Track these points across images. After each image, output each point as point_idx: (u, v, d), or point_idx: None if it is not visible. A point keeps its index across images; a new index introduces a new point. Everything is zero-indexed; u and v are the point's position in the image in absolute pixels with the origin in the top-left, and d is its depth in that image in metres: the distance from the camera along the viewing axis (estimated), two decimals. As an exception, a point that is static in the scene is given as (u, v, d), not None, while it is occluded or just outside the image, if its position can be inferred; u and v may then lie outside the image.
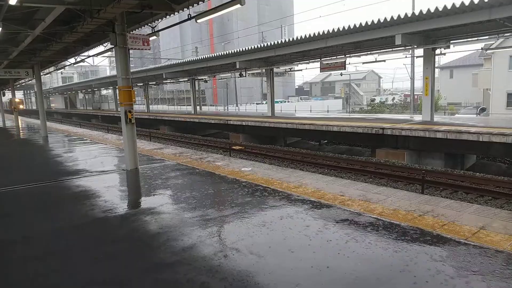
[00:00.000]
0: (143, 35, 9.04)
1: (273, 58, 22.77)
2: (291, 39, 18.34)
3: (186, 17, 8.52)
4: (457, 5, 12.14)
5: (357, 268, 3.57)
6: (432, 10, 12.75)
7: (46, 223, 5.32)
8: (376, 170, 12.36)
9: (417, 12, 13.19)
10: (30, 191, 7.29)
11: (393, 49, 17.25)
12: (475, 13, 12.40)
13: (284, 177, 7.40)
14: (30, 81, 28.44)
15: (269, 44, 19.76)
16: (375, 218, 4.86)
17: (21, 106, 30.48)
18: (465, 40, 15.43)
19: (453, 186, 10.16)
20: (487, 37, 15.20)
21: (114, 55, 8.98)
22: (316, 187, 6.52)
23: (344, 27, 15.19)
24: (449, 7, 12.31)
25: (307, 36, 17.08)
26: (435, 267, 3.50)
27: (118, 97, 9.49)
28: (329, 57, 19.87)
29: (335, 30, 15.59)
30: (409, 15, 13.37)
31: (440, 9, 12.53)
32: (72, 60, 17.75)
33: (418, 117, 18.84)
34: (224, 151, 17.52)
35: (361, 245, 4.05)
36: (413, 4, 25.19)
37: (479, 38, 14.98)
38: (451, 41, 15.79)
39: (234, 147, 17.57)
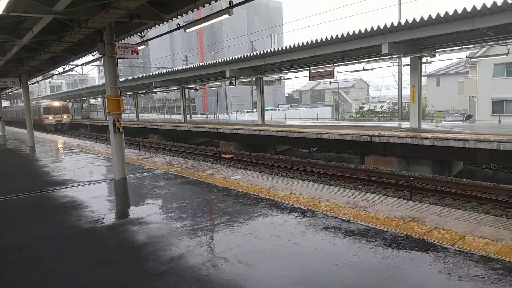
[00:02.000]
0: (132, 44, 9.04)
1: (262, 67, 22.94)
2: (280, 48, 18.52)
3: (176, 27, 8.57)
4: (442, 15, 12.43)
5: (345, 275, 3.58)
6: (417, 20, 13.03)
7: (31, 235, 5.22)
8: (365, 177, 12.46)
9: (403, 22, 13.46)
10: (16, 201, 7.16)
11: (381, 57, 17.52)
12: (459, 22, 12.71)
13: (273, 185, 7.41)
14: (18, 91, 28.05)
15: (258, 53, 19.92)
16: (364, 225, 4.89)
17: None
18: (450, 48, 15.77)
19: (441, 192, 10.28)
20: (471, 46, 15.55)
21: (102, 64, 8.95)
22: (305, 194, 6.54)
23: (332, 37, 15.41)
24: (434, 16, 12.60)
25: (296, 46, 17.27)
26: (422, 273, 3.53)
27: (106, 106, 9.43)
28: (318, 65, 20.09)
29: (323, 40, 15.80)
30: (396, 24, 13.64)
31: (426, 18, 12.82)
32: (60, 69, 17.61)
33: (406, 125, 19.09)
34: (214, 160, 17.47)
35: (349, 252, 4.07)
36: (400, 14, 25.71)
37: (463, 47, 15.32)
38: (436, 50, 16.13)
39: (224, 156, 17.54)
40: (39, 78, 23.19)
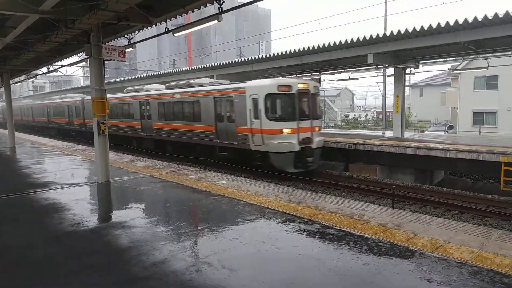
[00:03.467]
0: (119, 46, 8.99)
1: (250, 73, 23.03)
2: (268, 55, 18.66)
3: (164, 30, 8.56)
4: (425, 28, 12.77)
5: (327, 280, 3.62)
6: (402, 32, 13.34)
7: (11, 238, 5.10)
8: (349, 185, 12.60)
9: (388, 33, 13.76)
10: (-6, 204, 6.98)
11: (366, 67, 17.84)
12: (441, 35, 13.08)
13: (258, 190, 7.43)
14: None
15: (247, 59, 20.02)
16: (347, 231, 4.95)
17: None
18: (434, 60, 16.21)
19: (422, 200, 10.49)
20: (453, 58, 16.01)
21: (88, 65, 8.86)
22: (290, 200, 6.58)
23: (319, 45, 15.62)
24: (418, 29, 12.93)
25: (284, 53, 17.43)
26: (402, 279, 3.60)
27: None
28: (305, 73, 20.30)
29: (310, 48, 16.00)
30: (381, 35, 13.93)
31: (410, 31, 13.14)
32: (44, 69, 17.32)
33: (389, 133, 19.43)
34: (199, 165, 17.37)
35: (332, 257, 4.12)
36: (385, 25, 26.22)
37: (446, 59, 15.75)
38: (420, 61, 16.53)
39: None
40: (22, 77, 22.73)
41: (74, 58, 14.32)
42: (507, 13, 11.10)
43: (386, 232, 4.86)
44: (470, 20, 11.87)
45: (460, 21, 12.01)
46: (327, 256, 4.15)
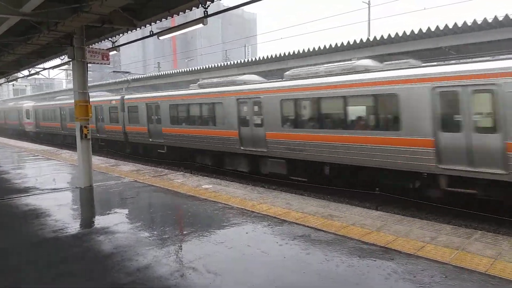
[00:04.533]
0: (103, 49, 8.88)
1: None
2: (254, 59, 18.77)
3: (149, 33, 8.50)
4: (408, 33, 13.06)
5: (313, 283, 3.64)
6: (385, 37, 13.61)
7: (-11, 245, 4.96)
8: (333, 187, 12.67)
9: (371, 39, 14.01)
10: (-28, 210, 6.78)
11: (349, 72, 18.07)
12: (423, 41, 13.41)
13: (244, 194, 7.42)
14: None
15: (233, 63, 20.05)
16: (332, 233, 4.99)
17: None
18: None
19: (405, 202, 10.61)
20: (435, 63, 16.39)
21: (71, 68, 8.73)
22: (275, 204, 6.60)
23: (304, 50, 15.79)
24: (400, 34, 13.22)
25: (269, 57, 17.55)
26: (385, 280, 3.65)
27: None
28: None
29: (295, 53, 16.15)
30: (364, 40, 14.17)
31: (393, 36, 13.42)
32: (25, 72, 16.95)
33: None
34: (185, 169, 17.23)
35: (317, 260, 4.14)
36: (369, 31, 26.69)
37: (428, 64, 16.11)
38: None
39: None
40: (2, 80, 22.19)
41: (57, 61, 14.09)
42: (485, 19, 11.45)
43: (370, 234, 4.91)
44: (450, 26, 12.20)
45: (441, 27, 12.34)
46: (312, 259, 4.18)
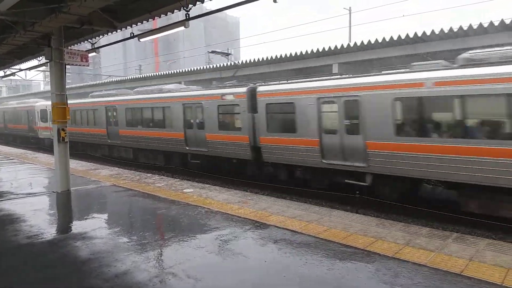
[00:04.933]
0: (82, 51, 8.72)
1: (218, 80, 23.03)
2: (237, 63, 18.77)
3: (130, 35, 8.39)
4: (387, 40, 13.35)
5: (293, 287, 3.65)
6: (365, 43, 13.87)
7: (-42, 252, 4.77)
8: (314, 191, 12.76)
9: (352, 44, 14.26)
10: None
11: (331, 77, 18.34)
12: (402, 47, 13.73)
13: (226, 198, 7.39)
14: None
15: (215, 66, 20.02)
16: (312, 236, 5.02)
17: None
18: (395, 71, 16.88)
19: (384, 205, 10.79)
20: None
21: (49, 70, 8.52)
22: (257, 208, 6.60)
23: (286, 55, 15.92)
24: (380, 41, 13.50)
25: (252, 61, 17.61)
26: (365, 283, 3.69)
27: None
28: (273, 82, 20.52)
29: (278, 57, 16.26)
30: (345, 46, 14.41)
31: (373, 42, 13.68)
32: (1, 73, 16.43)
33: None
34: (166, 172, 17.03)
35: (298, 263, 4.16)
36: (350, 36, 27.16)
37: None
38: (383, 72, 17.20)
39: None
40: (-24, 81, 21.46)
41: (34, 62, 13.71)
42: (460, 27, 11.82)
43: (350, 237, 4.97)
44: (428, 33, 12.54)
45: (419, 34, 12.67)
46: (293, 262, 4.19)
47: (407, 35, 13.00)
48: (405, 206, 9.11)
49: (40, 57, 12.49)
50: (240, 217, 6.02)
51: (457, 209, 8.15)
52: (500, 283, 3.58)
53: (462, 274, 3.81)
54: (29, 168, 12.08)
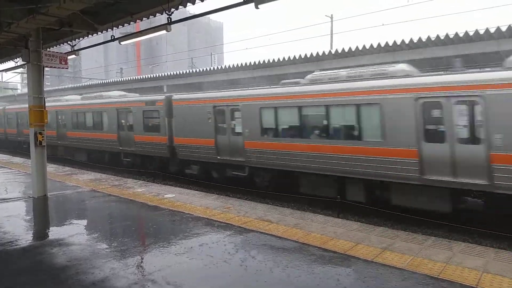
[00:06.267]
0: (61, 53, 8.54)
1: (202, 84, 22.96)
2: (219, 67, 18.78)
3: (110, 38, 8.27)
4: (367, 47, 13.63)
5: (274, 292, 3.65)
6: (346, 50, 14.12)
7: None
8: (297, 196, 12.83)
9: (333, 51, 14.48)
10: None
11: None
12: (383, 54, 14.03)
13: (207, 203, 7.34)
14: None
15: (198, 70, 19.96)
16: (294, 241, 5.04)
17: None
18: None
19: (366, 210, 10.94)
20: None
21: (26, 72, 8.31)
22: (238, 213, 6.57)
23: (269, 60, 16.04)
24: (360, 48, 13.77)
25: (235, 66, 17.65)
26: (345, 287, 3.72)
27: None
28: (257, 87, 20.61)
29: (261, 62, 16.37)
30: (327, 53, 14.63)
31: (353, 49, 13.94)
32: (-25, 74, 15.91)
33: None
34: (147, 177, 16.79)
35: (278, 268, 4.16)
36: (331, 44, 27.54)
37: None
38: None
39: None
40: None
41: (11, 63, 13.33)
42: (437, 36, 12.19)
43: (330, 241, 5.01)
44: (407, 41, 12.87)
45: (398, 42, 12.99)
46: (275, 267, 4.19)
47: (387, 43, 13.33)
48: (385, 211, 9.28)
49: (17, 59, 12.17)
50: (221, 222, 5.99)
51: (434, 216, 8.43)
52: (475, 286, 3.68)
53: (439, 277, 3.89)
54: (3, 172, 11.70)
